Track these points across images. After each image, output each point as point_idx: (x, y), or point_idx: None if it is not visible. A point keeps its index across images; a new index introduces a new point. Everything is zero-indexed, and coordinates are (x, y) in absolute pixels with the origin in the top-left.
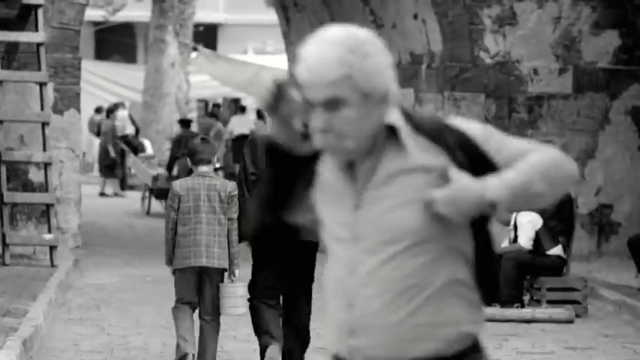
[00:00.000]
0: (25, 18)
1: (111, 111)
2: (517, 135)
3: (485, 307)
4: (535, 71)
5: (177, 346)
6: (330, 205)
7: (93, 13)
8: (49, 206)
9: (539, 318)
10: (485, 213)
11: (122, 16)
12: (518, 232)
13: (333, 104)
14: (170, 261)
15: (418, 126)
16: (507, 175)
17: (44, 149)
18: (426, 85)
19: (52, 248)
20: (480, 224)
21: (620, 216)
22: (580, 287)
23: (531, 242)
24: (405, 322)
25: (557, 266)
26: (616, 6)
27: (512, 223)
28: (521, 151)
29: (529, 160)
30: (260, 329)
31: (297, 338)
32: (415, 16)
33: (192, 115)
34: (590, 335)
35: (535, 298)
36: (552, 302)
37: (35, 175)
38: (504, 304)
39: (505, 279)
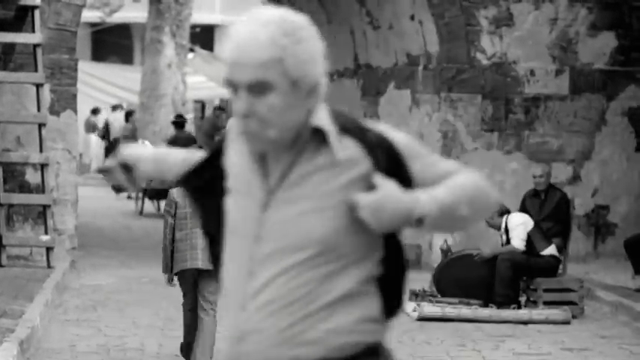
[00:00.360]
0: (21, 19)
1: (129, 114)
2: (515, 136)
3: (388, 320)
4: (532, 72)
5: (184, 337)
6: (236, 196)
7: (90, 15)
8: (45, 207)
9: (535, 319)
10: (410, 227)
11: (119, 18)
12: (511, 235)
13: (259, 88)
14: (167, 268)
15: (345, 127)
16: (437, 193)
17: (41, 150)
18: (423, 87)
19: (49, 249)
20: (391, 237)
21: (616, 217)
22: (576, 288)
23: (524, 243)
24: (294, 328)
25: (552, 266)
26: (612, 7)
27: (503, 226)
28: (447, 172)
29: (457, 182)
30: None
31: None
32: (412, 18)
33: (189, 116)
34: (586, 336)
35: (531, 299)
36: (549, 303)
37: (32, 177)
38: (501, 305)
39: (500, 280)
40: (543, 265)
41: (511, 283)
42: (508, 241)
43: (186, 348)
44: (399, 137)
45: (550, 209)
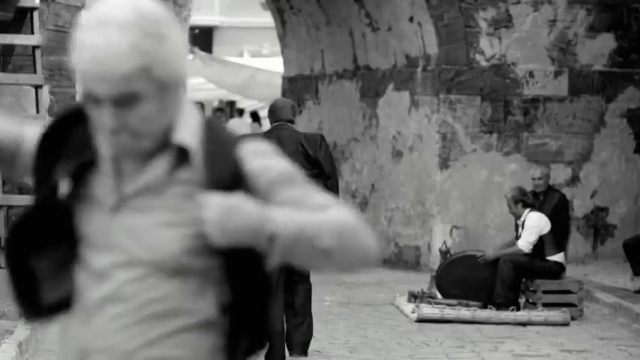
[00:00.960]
0: (20, 21)
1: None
2: (514, 137)
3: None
4: (531, 74)
5: None
6: (86, 201)
7: None
8: None
9: (534, 321)
10: (259, 246)
11: None
12: (522, 233)
13: (126, 100)
14: None
15: (211, 136)
16: (297, 215)
17: None
18: (422, 88)
19: None
20: (252, 261)
21: (615, 219)
22: (576, 290)
23: (531, 246)
24: (140, 351)
25: (555, 271)
26: (611, 9)
27: (522, 220)
28: (318, 205)
29: (325, 213)
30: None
31: (299, 330)
32: (411, 19)
33: None
34: (585, 338)
35: (531, 300)
36: (548, 305)
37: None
38: (500, 306)
39: (502, 281)
40: (546, 270)
41: (512, 285)
42: (519, 236)
43: None
44: (264, 165)
45: (549, 211)
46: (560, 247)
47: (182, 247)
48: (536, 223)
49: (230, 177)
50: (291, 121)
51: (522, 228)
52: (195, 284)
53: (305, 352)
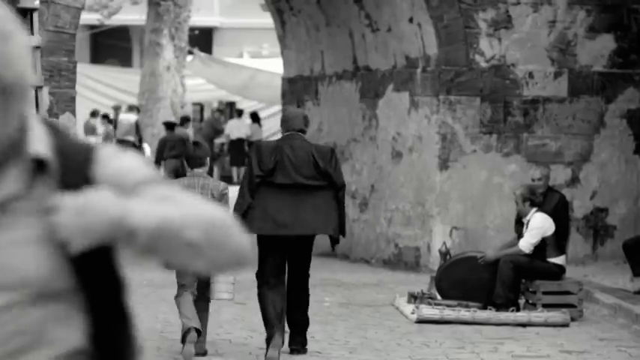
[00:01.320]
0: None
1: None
2: (513, 138)
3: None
4: (530, 75)
5: (182, 324)
6: None
7: (88, 17)
8: None
9: (534, 322)
10: (122, 244)
11: (118, 20)
12: (525, 233)
13: None
14: None
15: (60, 144)
16: (158, 206)
17: None
18: (422, 89)
19: None
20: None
21: (615, 219)
22: (575, 291)
23: (532, 248)
24: None
25: (555, 273)
26: (611, 10)
27: (527, 218)
28: (186, 202)
29: (192, 207)
30: (266, 319)
31: (298, 321)
32: (411, 20)
33: None
34: (585, 339)
35: (530, 301)
36: (548, 306)
37: None
38: (500, 307)
39: (502, 282)
40: (546, 271)
41: (512, 286)
42: (522, 235)
43: (186, 333)
44: (126, 167)
45: (548, 212)
46: (562, 249)
47: (45, 268)
48: (540, 225)
49: (87, 184)
50: (303, 131)
51: (526, 227)
52: (61, 310)
53: (305, 347)
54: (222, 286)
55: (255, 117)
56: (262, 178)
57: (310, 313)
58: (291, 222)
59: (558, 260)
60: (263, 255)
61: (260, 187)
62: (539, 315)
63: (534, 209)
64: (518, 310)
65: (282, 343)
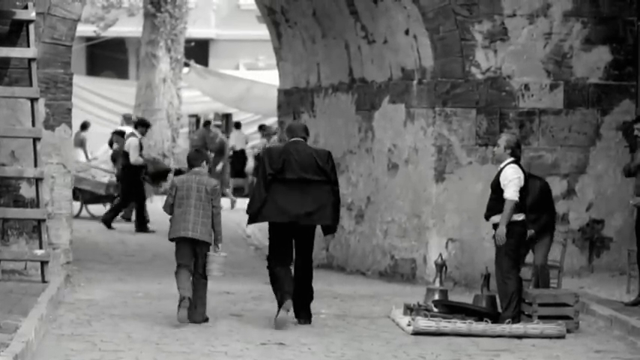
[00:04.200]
0: (16, 33)
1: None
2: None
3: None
4: (526, 87)
5: (179, 294)
6: None
7: (84, 29)
8: (40, 222)
9: (530, 333)
10: None
11: (114, 32)
12: (505, 185)
13: None
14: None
15: None
16: None
17: (35, 165)
18: (418, 101)
19: (44, 264)
20: None
21: (611, 231)
22: (571, 303)
23: (517, 194)
24: None
25: (522, 233)
26: (607, 22)
27: (501, 166)
28: None
29: None
30: (277, 288)
31: (304, 294)
32: (406, 32)
33: (184, 130)
34: (581, 351)
35: (526, 313)
36: (544, 318)
37: (26, 191)
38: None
39: (504, 294)
40: (515, 238)
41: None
42: (501, 196)
43: (181, 301)
44: None
45: (532, 199)
46: (521, 208)
47: None
48: (517, 175)
49: None
50: (305, 139)
51: (501, 181)
52: None
53: (310, 318)
54: (214, 265)
55: (261, 127)
56: (273, 176)
57: (305, 325)
58: (297, 213)
59: (519, 217)
60: (274, 239)
61: (272, 183)
62: (535, 327)
63: (510, 159)
64: (514, 321)
65: (291, 307)
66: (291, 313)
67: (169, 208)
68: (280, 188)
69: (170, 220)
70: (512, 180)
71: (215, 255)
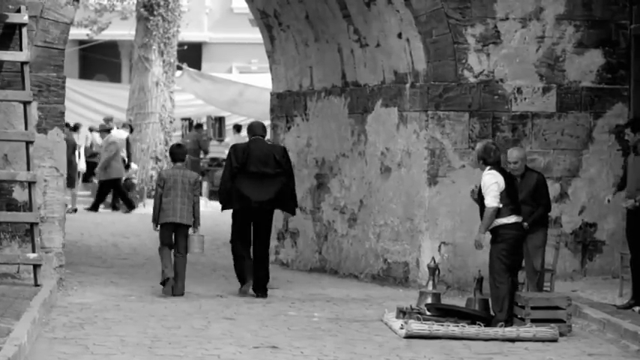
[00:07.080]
0: (9, 37)
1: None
2: (502, 154)
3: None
4: (519, 90)
5: (163, 272)
6: None
7: (77, 32)
8: (33, 225)
9: (523, 337)
10: None
11: (107, 35)
12: (485, 193)
13: None
14: (155, 220)
15: None
16: None
17: (28, 168)
18: (410, 104)
19: (36, 267)
20: None
21: (604, 235)
22: (564, 306)
23: (497, 200)
24: None
25: (519, 237)
26: (600, 25)
27: (478, 188)
28: None
29: None
30: (239, 273)
31: (262, 276)
32: (399, 35)
33: (177, 133)
34: (574, 354)
35: (519, 316)
36: (536, 321)
37: (19, 194)
38: (490, 322)
39: (495, 298)
40: (509, 244)
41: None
42: (482, 203)
43: (165, 281)
44: None
45: (527, 192)
46: (514, 211)
47: None
48: (493, 180)
49: None
50: (263, 136)
51: (482, 189)
52: None
53: (265, 294)
54: (195, 244)
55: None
56: (238, 169)
57: (299, 328)
58: (259, 200)
59: (510, 219)
60: (238, 223)
61: (237, 175)
62: (528, 330)
63: (487, 168)
64: (506, 325)
65: (249, 288)
66: (251, 291)
67: (159, 198)
68: (244, 179)
69: (155, 207)
70: (489, 187)
71: (195, 235)
